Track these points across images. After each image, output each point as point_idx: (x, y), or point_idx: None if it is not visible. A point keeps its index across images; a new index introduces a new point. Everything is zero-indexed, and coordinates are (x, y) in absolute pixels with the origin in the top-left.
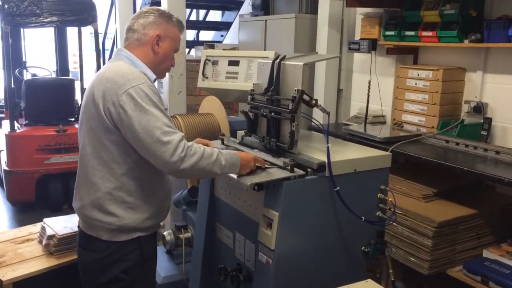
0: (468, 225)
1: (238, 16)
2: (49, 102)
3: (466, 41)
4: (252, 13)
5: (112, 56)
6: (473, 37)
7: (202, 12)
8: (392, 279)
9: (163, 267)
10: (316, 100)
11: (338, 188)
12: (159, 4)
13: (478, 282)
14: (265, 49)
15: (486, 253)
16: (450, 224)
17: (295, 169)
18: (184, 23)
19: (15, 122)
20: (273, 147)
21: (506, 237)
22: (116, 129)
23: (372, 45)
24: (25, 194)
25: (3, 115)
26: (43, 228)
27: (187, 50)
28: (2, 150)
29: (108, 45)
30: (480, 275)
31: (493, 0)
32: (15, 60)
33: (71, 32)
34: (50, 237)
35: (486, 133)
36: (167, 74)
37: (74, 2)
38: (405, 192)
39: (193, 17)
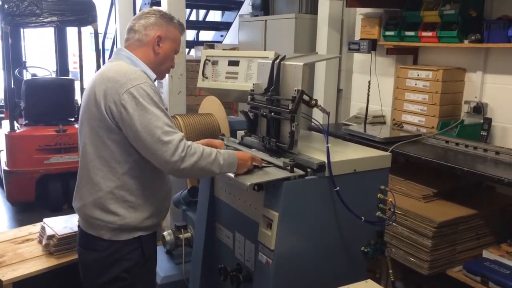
0: (468, 226)
1: (238, 16)
2: (49, 102)
3: (466, 42)
4: (252, 13)
5: (112, 55)
6: (473, 37)
7: (202, 12)
8: (392, 279)
9: (163, 267)
10: (316, 100)
11: (338, 188)
12: (159, 4)
13: (478, 283)
14: (265, 49)
15: (486, 254)
16: (450, 224)
17: (295, 169)
18: (184, 23)
19: (15, 122)
20: (273, 147)
21: (506, 237)
22: (118, 128)
23: (372, 45)
24: (25, 194)
25: (3, 115)
26: (43, 228)
27: (187, 50)
28: (2, 150)
29: (108, 45)
30: (480, 276)
31: (493, 0)
32: (15, 60)
33: (71, 32)
34: (50, 237)
35: (486, 134)
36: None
37: (74, 2)
38: (405, 192)
39: (193, 17)
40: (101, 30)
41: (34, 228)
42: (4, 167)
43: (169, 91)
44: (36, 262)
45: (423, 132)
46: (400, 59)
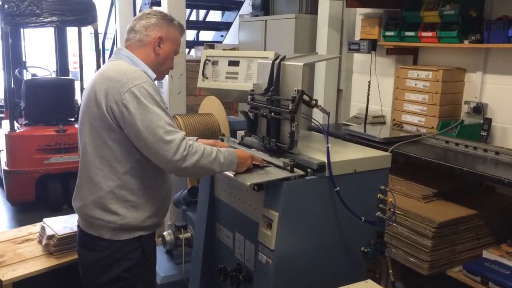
0: (468, 226)
1: (238, 16)
2: (49, 102)
3: (466, 42)
4: (252, 13)
5: (112, 55)
6: (473, 37)
7: (202, 12)
8: (392, 280)
9: (163, 267)
10: (316, 100)
11: (338, 188)
12: (159, 4)
13: (478, 283)
14: (265, 49)
15: (486, 254)
16: (450, 224)
17: (295, 169)
18: (184, 23)
19: (15, 122)
20: (273, 147)
21: (506, 237)
22: (119, 128)
23: (372, 46)
24: (25, 194)
25: (3, 115)
26: (43, 228)
27: (187, 50)
28: (2, 150)
29: (108, 45)
30: (480, 276)
31: (493, 1)
32: (15, 60)
33: (71, 32)
34: (50, 237)
35: (486, 134)
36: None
37: (74, 2)
38: (405, 192)
39: (193, 17)
40: (101, 30)
41: (34, 228)
42: (4, 167)
43: (169, 91)
44: (36, 262)
45: (423, 132)
46: (400, 59)
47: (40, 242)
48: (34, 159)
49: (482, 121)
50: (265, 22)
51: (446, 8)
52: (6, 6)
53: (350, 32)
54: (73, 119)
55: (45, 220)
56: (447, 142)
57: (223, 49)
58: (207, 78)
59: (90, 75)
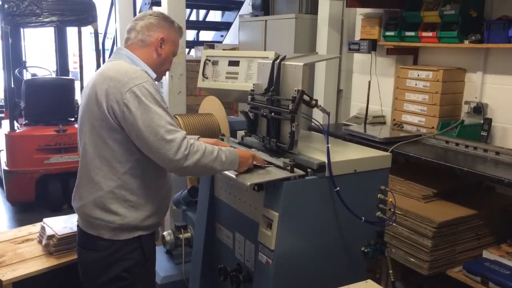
0: (468, 226)
1: (238, 16)
2: (49, 102)
3: (466, 42)
4: (252, 13)
5: (112, 55)
6: (473, 37)
7: (202, 12)
8: (392, 280)
9: (163, 267)
10: (316, 100)
11: (338, 188)
12: (159, 4)
13: (478, 283)
14: (265, 49)
15: (486, 254)
16: (450, 224)
17: (295, 169)
18: (184, 23)
19: (15, 122)
20: (273, 147)
21: (506, 237)
22: (120, 127)
23: (372, 46)
24: (25, 194)
25: (3, 115)
26: (42, 228)
27: (187, 50)
28: (2, 150)
29: (108, 45)
30: (480, 276)
31: (493, 1)
32: (15, 60)
33: (71, 32)
34: (50, 237)
35: (486, 134)
36: (166, 74)
37: (74, 2)
38: (405, 192)
39: (193, 17)
40: (101, 30)
41: (34, 228)
42: (4, 167)
43: (169, 91)
44: (36, 262)
45: (423, 132)
46: (400, 59)
47: (40, 242)
48: (34, 159)
49: (482, 121)
50: (265, 22)
51: (446, 8)
52: (6, 6)
53: (350, 32)
54: (73, 119)
55: (45, 220)
56: (447, 142)
57: (223, 49)
58: (207, 78)
59: (90, 75)
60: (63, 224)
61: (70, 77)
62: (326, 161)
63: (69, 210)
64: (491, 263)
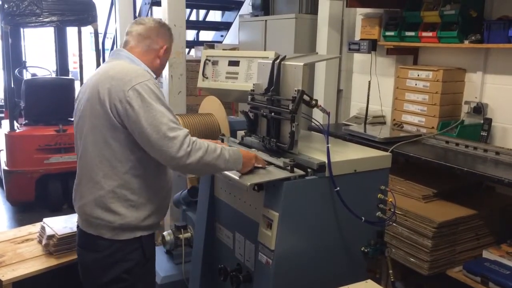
0: (468, 226)
1: (238, 16)
2: (49, 102)
3: (466, 42)
4: (252, 13)
5: (110, 56)
6: (473, 37)
7: (202, 12)
8: (392, 280)
9: (163, 267)
10: (316, 100)
11: (338, 188)
12: (159, 4)
13: (478, 283)
14: (265, 49)
15: (486, 254)
16: (450, 224)
17: (295, 169)
18: (184, 23)
19: (15, 122)
20: (273, 147)
21: (506, 237)
22: (122, 126)
23: (372, 46)
24: (25, 194)
25: (3, 115)
26: (42, 228)
27: (187, 50)
28: (2, 150)
29: (108, 45)
30: (480, 276)
31: (493, 1)
32: (15, 60)
33: (71, 32)
34: (50, 237)
35: (486, 134)
36: (166, 74)
37: (74, 2)
38: (405, 192)
39: (193, 17)
40: (101, 30)
41: (34, 228)
42: (4, 167)
43: (169, 91)
44: (35, 262)
45: (423, 132)
46: (400, 59)
47: (40, 242)
48: (34, 159)
49: (482, 121)
50: (265, 22)
51: (446, 8)
52: (6, 5)
53: (350, 32)
54: (73, 119)
55: (45, 220)
56: (447, 142)
57: (223, 49)
58: (207, 78)
59: (89, 75)
60: (63, 224)
61: (70, 77)
62: (326, 161)
63: (69, 210)
64: (491, 263)
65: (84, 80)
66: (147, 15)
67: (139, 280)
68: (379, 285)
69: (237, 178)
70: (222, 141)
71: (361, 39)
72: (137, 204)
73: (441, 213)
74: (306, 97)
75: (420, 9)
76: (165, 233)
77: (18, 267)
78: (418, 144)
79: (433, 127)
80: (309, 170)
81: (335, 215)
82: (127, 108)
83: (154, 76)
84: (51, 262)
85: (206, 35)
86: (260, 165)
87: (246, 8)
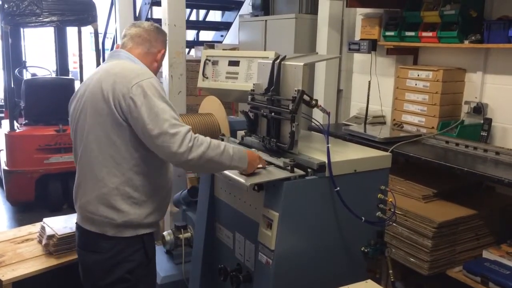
0: (468, 226)
1: (238, 16)
2: (49, 102)
3: (466, 42)
4: (252, 13)
5: (109, 56)
6: (473, 37)
7: (202, 12)
8: (392, 280)
9: (163, 267)
10: (316, 100)
11: (338, 188)
12: (159, 4)
13: (478, 283)
14: (265, 49)
15: (486, 254)
16: (450, 224)
17: (295, 169)
18: (184, 23)
19: (15, 121)
20: (273, 147)
21: (506, 238)
22: (126, 122)
23: (372, 46)
24: (25, 194)
25: (2, 115)
26: (42, 228)
27: (187, 50)
28: (2, 149)
29: (108, 45)
30: (480, 276)
31: (493, 1)
32: (15, 60)
33: (71, 32)
34: (50, 237)
35: (486, 134)
36: (166, 74)
37: (74, 2)
38: (405, 192)
39: (193, 17)
40: (101, 30)
41: (34, 228)
42: (4, 166)
43: (169, 91)
44: (35, 262)
45: (423, 133)
46: (400, 59)
47: (40, 242)
48: (34, 159)
49: (482, 121)
50: (265, 22)
51: (446, 8)
52: (6, 5)
53: (350, 32)
54: None
55: (45, 220)
56: (447, 142)
57: (223, 49)
58: (207, 78)
59: (89, 74)
60: (63, 224)
61: (70, 77)
62: (326, 161)
63: (69, 210)
64: (491, 263)
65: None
66: (147, 15)
67: (141, 280)
68: (379, 285)
69: (237, 178)
70: (222, 141)
71: (361, 39)
72: (140, 201)
73: (441, 213)
74: (306, 97)
75: (420, 9)
76: (165, 233)
77: (18, 267)
78: (418, 144)
79: (433, 127)
80: (309, 170)
81: (335, 215)
82: (130, 104)
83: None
84: (51, 262)
85: (206, 35)
86: (262, 166)
87: (246, 8)
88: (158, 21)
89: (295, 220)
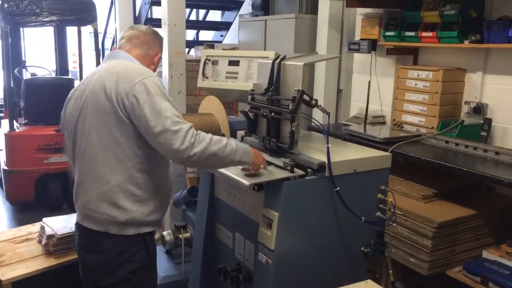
0: (468, 226)
1: (238, 16)
2: (49, 102)
3: (466, 42)
4: (252, 13)
5: (108, 56)
6: (473, 37)
7: (202, 12)
8: (392, 280)
9: (163, 267)
10: (316, 100)
11: (338, 188)
12: (159, 4)
13: (478, 283)
14: (265, 49)
15: (485, 254)
16: (450, 224)
17: (295, 169)
18: (184, 23)
19: (15, 121)
20: (273, 147)
21: (506, 238)
22: (129, 120)
23: (372, 46)
24: (25, 194)
25: (2, 115)
26: (42, 228)
27: (187, 50)
28: (2, 149)
29: (108, 44)
30: (480, 276)
31: (493, 1)
32: (14, 60)
33: (71, 31)
34: (50, 236)
35: (486, 134)
36: (166, 74)
37: (74, 1)
38: (405, 192)
39: (193, 17)
40: (101, 29)
41: (34, 227)
42: (3, 166)
43: (169, 91)
44: (35, 262)
45: (423, 133)
46: (400, 59)
47: (39, 241)
48: (33, 158)
49: (482, 121)
50: (265, 22)
51: (446, 8)
52: (5, 5)
53: (350, 32)
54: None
55: (44, 219)
56: (447, 142)
57: (223, 49)
58: (207, 78)
59: (87, 74)
60: (62, 224)
61: (70, 76)
62: (326, 161)
63: (69, 210)
64: (491, 263)
65: None
66: (146, 14)
67: (143, 281)
68: (379, 285)
69: (237, 178)
70: None
71: (361, 39)
72: (142, 199)
73: (441, 213)
74: (306, 97)
75: (420, 9)
76: (165, 233)
77: (17, 266)
78: (418, 144)
79: (433, 127)
80: (309, 170)
81: (335, 215)
82: (133, 102)
83: None
84: (51, 262)
85: (206, 35)
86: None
87: (246, 8)
88: (158, 20)
89: (295, 220)
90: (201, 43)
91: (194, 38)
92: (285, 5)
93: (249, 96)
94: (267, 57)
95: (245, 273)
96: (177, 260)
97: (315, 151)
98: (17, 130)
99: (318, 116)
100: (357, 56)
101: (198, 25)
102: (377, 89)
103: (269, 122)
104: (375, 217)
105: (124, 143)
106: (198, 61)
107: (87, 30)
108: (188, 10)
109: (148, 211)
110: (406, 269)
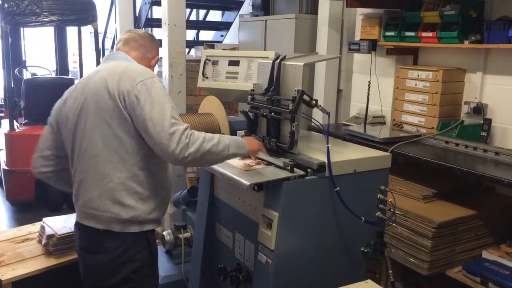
0: (468, 226)
1: (238, 16)
2: (49, 102)
3: (466, 42)
4: (252, 13)
5: (107, 58)
6: (473, 38)
7: (202, 12)
8: (392, 280)
9: (163, 267)
10: (316, 100)
11: (338, 188)
12: (159, 4)
13: (478, 283)
14: (265, 49)
15: (485, 254)
16: (450, 225)
17: (295, 169)
18: (184, 23)
19: (15, 121)
20: (273, 147)
21: (506, 238)
22: (131, 118)
23: (372, 46)
24: (25, 194)
25: (2, 115)
26: (42, 228)
27: (187, 50)
28: (2, 149)
29: (108, 44)
30: (480, 276)
31: (493, 1)
32: (14, 60)
33: (71, 31)
34: (50, 236)
35: (485, 134)
36: (166, 74)
37: (74, 1)
38: (405, 192)
39: (193, 17)
40: (101, 29)
41: (34, 227)
42: (3, 166)
43: (169, 91)
44: (35, 262)
45: (423, 133)
46: (400, 60)
47: (39, 241)
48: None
49: (482, 122)
50: (265, 22)
51: (446, 8)
52: (6, 5)
53: (350, 32)
54: None
55: (44, 219)
56: (447, 142)
57: (223, 49)
58: (207, 78)
59: (85, 75)
60: (62, 224)
61: (70, 76)
62: (326, 161)
63: (69, 210)
64: (491, 263)
65: None
66: (147, 14)
67: (145, 280)
68: (379, 285)
69: (237, 178)
70: None
71: (361, 39)
72: (144, 196)
73: (441, 213)
74: (306, 97)
75: (420, 9)
76: (165, 233)
77: (17, 266)
78: (418, 144)
79: (433, 127)
80: (309, 170)
81: (335, 215)
82: (134, 101)
83: None
84: (51, 261)
85: (206, 35)
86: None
87: (246, 8)
88: (158, 20)
89: (295, 220)
90: (201, 43)
91: (194, 38)
92: (285, 5)
93: (249, 96)
94: (267, 57)
95: (245, 273)
96: (177, 260)
97: (315, 151)
98: (17, 130)
99: (318, 116)
100: (357, 56)
101: (198, 25)
102: (377, 89)
103: (269, 122)
104: (375, 217)
105: (127, 141)
106: (198, 61)
107: (87, 30)
108: (188, 10)
109: (150, 209)
110: (406, 269)
